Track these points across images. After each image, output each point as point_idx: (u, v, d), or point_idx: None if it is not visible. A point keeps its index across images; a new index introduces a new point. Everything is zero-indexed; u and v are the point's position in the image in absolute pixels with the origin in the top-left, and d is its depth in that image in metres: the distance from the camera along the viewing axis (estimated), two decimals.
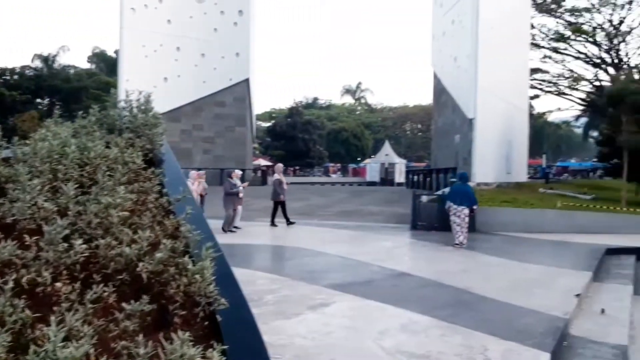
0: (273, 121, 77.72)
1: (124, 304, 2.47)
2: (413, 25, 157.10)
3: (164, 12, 29.96)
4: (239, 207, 15.50)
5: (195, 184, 14.66)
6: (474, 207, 13.48)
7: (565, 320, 6.29)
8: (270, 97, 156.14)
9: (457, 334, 5.61)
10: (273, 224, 16.26)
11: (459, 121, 25.30)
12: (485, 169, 22.84)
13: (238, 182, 15.59)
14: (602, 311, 7.35)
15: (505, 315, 6.45)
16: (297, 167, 68.38)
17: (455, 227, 13.29)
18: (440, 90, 29.92)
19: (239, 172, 16.39)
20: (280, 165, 17.95)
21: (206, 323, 2.75)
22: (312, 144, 67.63)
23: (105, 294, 2.51)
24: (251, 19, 33.60)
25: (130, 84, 24.49)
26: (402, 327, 5.81)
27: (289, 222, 16.35)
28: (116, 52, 44.05)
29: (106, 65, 60.21)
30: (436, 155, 31.66)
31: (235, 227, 15.09)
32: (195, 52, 31.16)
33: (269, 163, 62.88)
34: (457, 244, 13.04)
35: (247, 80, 33.28)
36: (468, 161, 23.63)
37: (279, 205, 16.44)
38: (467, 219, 13.30)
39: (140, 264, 2.69)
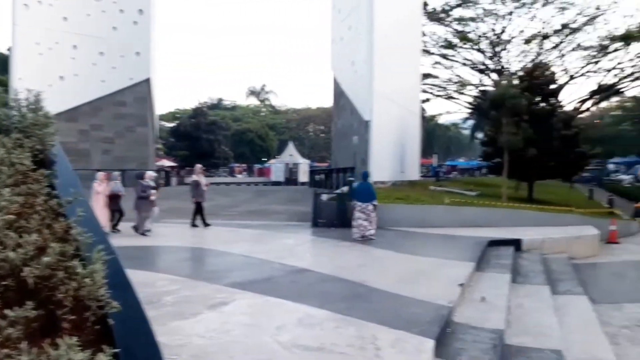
0: (177, 122, 75.76)
1: (7, 311, 2.34)
2: (315, 28, 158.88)
3: (60, 9, 28.35)
4: (155, 209, 14.99)
5: (103, 185, 14.09)
6: (374, 202, 14.06)
7: (449, 308, 6.61)
8: (174, 97, 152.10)
9: (350, 325, 5.75)
10: (193, 224, 16.03)
11: (357, 123, 25.87)
12: (381, 169, 23.54)
13: (151, 184, 15.05)
14: (483, 299, 7.78)
15: (395, 306, 6.68)
16: (205, 167, 67.07)
17: (360, 222, 13.89)
18: (339, 94, 30.46)
19: (151, 174, 15.88)
20: (198, 166, 17.58)
21: (97, 327, 2.67)
22: (217, 145, 66.64)
23: None
24: (152, 18, 32.60)
25: (24, 83, 23.12)
26: (299, 322, 5.88)
27: (205, 224, 16.10)
28: (9, 49, 41.12)
29: None
30: (336, 155, 32.20)
31: (147, 231, 14.60)
32: (93, 50, 29.77)
33: (173, 164, 61.32)
34: (360, 238, 13.70)
35: (148, 80, 32.28)
36: (365, 161, 24.24)
37: (199, 205, 16.18)
38: (373, 214, 13.93)
39: (26, 269, 2.57)
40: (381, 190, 20.30)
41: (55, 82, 27.03)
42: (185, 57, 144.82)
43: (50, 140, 4.31)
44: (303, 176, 51.97)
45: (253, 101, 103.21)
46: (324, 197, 17.62)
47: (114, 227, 14.70)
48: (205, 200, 16.40)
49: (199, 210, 16.23)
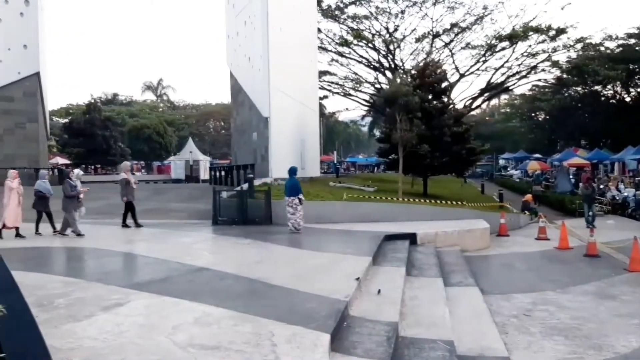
0: (70, 117, 71.67)
1: None
2: (210, 22, 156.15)
3: None
4: (82, 209, 14.30)
5: (16, 182, 13.39)
6: (300, 196, 14.63)
7: (345, 302, 6.71)
8: (66, 92, 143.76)
9: (247, 322, 5.73)
10: (137, 224, 15.53)
11: (256, 119, 25.79)
12: (281, 165, 23.60)
13: (78, 183, 14.27)
14: (379, 292, 7.96)
15: (292, 302, 6.73)
16: (98, 166, 64.07)
17: (290, 215, 14.57)
18: (237, 90, 30.18)
19: (79, 172, 15.15)
20: (126, 164, 16.86)
21: None
22: (113, 142, 63.71)
23: None
24: (39, 9, 30.71)
25: None
26: (196, 321, 5.79)
27: (131, 224, 15.62)
28: None
29: None
30: (236, 152, 31.92)
31: (63, 233, 13.86)
32: None
33: (67, 161, 58.07)
34: (292, 230, 14.41)
35: (37, 74, 30.47)
36: (265, 158, 24.27)
37: (130, 205, 15.60)
38: (299, 207, 14.54)
39: None
40: (281, 187, 20.41)
41: None
42: (78, 50, 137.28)
43: None
44: (204, 173, 51.20)
45: (150, 96, 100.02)
46: (224, 194, 17.46)
47: (55, 230, 14.07)
48: (134, 199, 15.80)
49: (129, 210, 15.62)
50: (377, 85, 49.32)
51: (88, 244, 12.29)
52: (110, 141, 62.74)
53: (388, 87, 29.98)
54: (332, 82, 50.01)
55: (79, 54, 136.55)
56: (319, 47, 41.15)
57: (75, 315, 5.94)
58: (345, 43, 46.28)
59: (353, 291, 7.39)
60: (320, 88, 42.10)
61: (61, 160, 57.77)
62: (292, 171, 15.12)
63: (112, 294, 7.01)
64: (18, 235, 13.32)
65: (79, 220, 14.08)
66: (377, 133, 60.50)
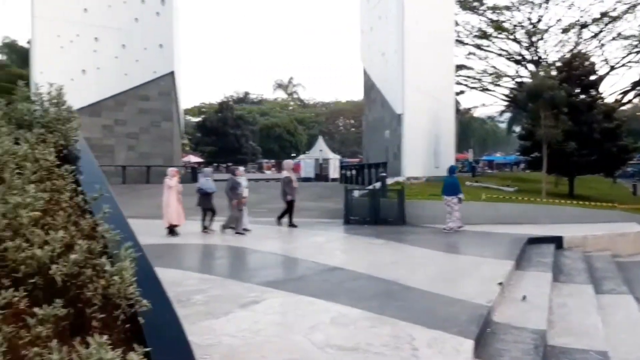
0: (203, 116, 76.42)
1: (36, 309, 2.37)
2: (344, 18, 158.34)
3: (80, 0, 28.67)
4: (245, 208, 14.84)
5: (174, 179, 14.21)
6: (459, 196, 14.74)
7: (488, 307, 6.50)
8: (200, 91, 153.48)
9: (385, 324, 5.71)
10: (292, 224, 15.60)
11: (389, 117, 25.74)
12: (414, 164, 23.39)
13: (243, 181, 14.92)
14: (524, 298, 7.65)
15: (431, 305, 6.61)
16: (229, 164, 67.71)
17: (448, 216, 14.78)
18: (370, 86, 30.33)
19: (243, 170, 15.84)
20: (289, 162, 17.15)
21: (127, 326, 2.68)
22: (245, 140, 67.05)
23: (16, 299, 2.40)
24: (174, 9, 32.78)
25: (45, 77, 23.50)
26: (332, 321, 5.86)
27: (283, 223, 15.85)
28: (29, 42, 41.85)
29: (18, 56, 57.06)
30: (368, 150, 32.10)
31: (245, 230, 14.41)
32: (115, 43, 29.99)
33: (200, 160, 61.91)
34: (445, 230, 14.58)
35: (172, 73, 32.46)
36: (398, 156, 24.13)
37: (291, 204, 15.77)
38: (456, 207, 14.66)
39: (54, 267, 2.59)
40: (414, 186, 20.20)
41: (77, 76, 27.37)
42: (211, 49, 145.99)
43: (73, 136, 4.37)
44: (334, 172, 51.93)
45: (280, 95, 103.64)
46: (356, 193, 17.62)
47: (206, 227, 14.57)
48: (294, 199, 15.88)
49: (290, 209, 15.79)
50: (518, 79, 47.31)
51: (222, 242, 12.94)
52: (241, 140, 65.98)
53: (531, 80, 28.63)
54: (469, 77, 48.74)
55: (212, 53, 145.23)
56: (456, 41, 40.15)
57: (212, 312, 6.25)
58: (484, 35, 44.96)
59: (496, 296, 7.16)
60: (456, 83, 41.11)
61: (193, 159, 61.46)
62: (452, 169, 15.10)
63: (248, 291, 7.29)
64: (173, 232, 13.92)
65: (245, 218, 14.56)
66: (517, 130, 58.00)
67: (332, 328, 5.60)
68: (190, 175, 36.61)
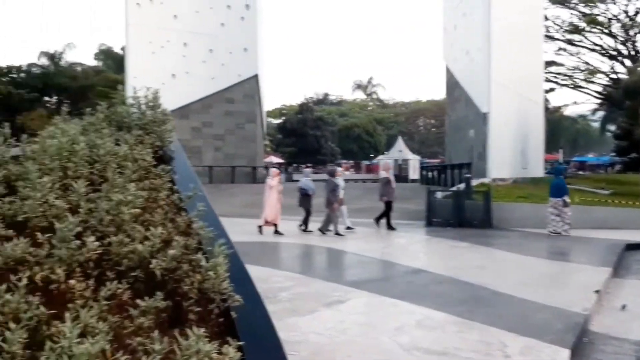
0: (283, 118, 77.66)
1: (138, 301, 2.49)
2: (424, 17, 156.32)
3: (170, 7, 29.91)
4: (343, 208, 15.05)
5: (276, 180, 14.55)
6: (565, 198, 14.54)
7: (584, 316, 6.25)
8: (280, 93, 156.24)
9: (473, 329, 5.60)
10: (390, 227, 15.44)
11: (473, 115, 25.22)
12: (500, 164, 22.77)
13: (341, 182, 15.08)
14: (623, 307, 7.28)
15: (523, 311, 6.42)
16: (309, 165, 68.45)
17: (552, 217, 14.55)
18: (453, 84, 29.84)
19: (340, 170, 16.04)
20: (387, 162, 17.23)
21: (221, 320, 2.77)
22: (324, 141, 67.54)
23: (119, 290, 2.53)
24: (258, 13, 33.53)
25: (138, 81, 24.55)
26: (418, 324, 5.81)
27: (381, 224, 15.67)
28: (123, 48, 43.97)
29: (113, 62, 60.25)
30: (450, 150, 31.57)
31: (349, 228, 14.64)
32: (203, 47, 31.08)
33: (281, 160, 62.96)
34: (552, 233, 14.33)
35: (256, 76, 33.24)
36: (483, 156, 23.57)
37: (389, 205, 15.58)
38: (565, 209, 14.46)
39: (154, 261, 2.72)
40: (501, 188, 19.64)
41: (167, 80, 28.50)
42: (291, 51, 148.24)
43: (168, 137, 4.56)
44: (413, 173, 51.43)
45: (359, 95, 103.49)
46: (439, 195, 17.37)
47: (304, 226, 14.83)
48: (392, 200, 15.70)
49: (388, 211, 15.64)
50: (614, 76, 44.92)
51: (303, 241, 13.12)
52: (321, 140, 66.53)
53: (628, 77, 27.11)
54: (559, 74, 46.76)
55: (292, 54, 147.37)
56: (545, 36, 38.68)
57: (298, 309, 6.37)
58: (575, 30, 43.00)
59: (592, 304, 6.88)
60: (545, 80, 39.60)
61: (275, 159, 62.54)
62: (558, 170, 14.74)
63: (332, 290, 7.37)
64: (277, 232, 14.20)
65: (341, 220, 14.69)
66: (612, 129, 55.19)
67: (418, 331, 5.56)
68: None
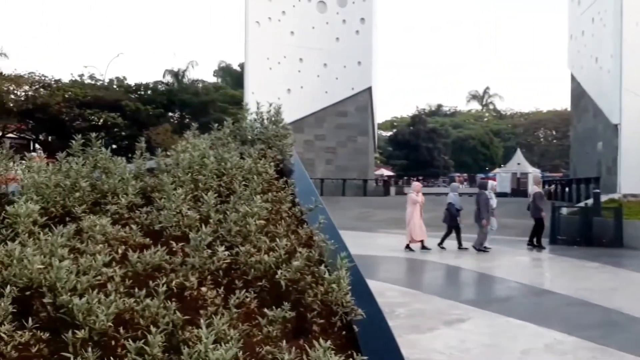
0: (394, 130, 77.45)
1: (265, 310, 2.57)
2: (543, 25, 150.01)
3: (288, 24, 30.93)
4: (494, 221, 14.63)
5: (420, 195, 14.47)
6: None
7: None
8: (392, 104, 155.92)
9: (610, 356, 5.26)
10: (540, 245, 14.71)
11: (602, 127, 23.91)
12: (632, 179, 21.33)
13: (493, 196, 14.78)
14: None
15: None
16: (420, 177, 67.66)
17: None
18: (579, 94, 28.45)
19: (494, 184, 15.70)
20: (538, 175, 16.55)
21: (343, 333, 2.79)
22: (437, 153, 66.58)
23: (247, 299, 2.62)
24: (373, 26, 33.81)
25: (256, 97, 25.53)
26: (547, 347, 5.55)
27: (538, 246, 14.77)
28: (241, 65, 45.90)
29: (232, 78, 63.12)
30: (575, 164, 30.06)
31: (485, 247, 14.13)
32: (318, 62, 31.79)
33: (391, 173, 62.74)
34: None
35: (369, 89, 33.45)
36: (613, 170, 22.25)
37: (540, 222, 14.85)
38: None
39: (279, 272, 2.79)
40: (633, 205, 18.36)
41: (283, 94, 29.35)
42: (403, 62, 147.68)
43: (288, 151, 4.70)
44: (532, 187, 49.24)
45: (475, 106, 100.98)
46: (564, 211, 16.50)
47: (460, 245, 14.37)
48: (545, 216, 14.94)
49: (539, 229, 14.86)
50: None
51: (413, 256, 12.95)
52: (433, 153, 65.60)
53: None
54: None
55: (404, 65, 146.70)
56: None
57: (418, 326, 6.31)
58: None
59: None
60: None
61: (385, 172, 62.41)
62: None
63: (451, 308, 7.23)
64: (424, 247, 13.95)
65: (491, 235, 14.36)
66: None
67: (546, 355, 5.32)
68: (382, 188, 37.32)
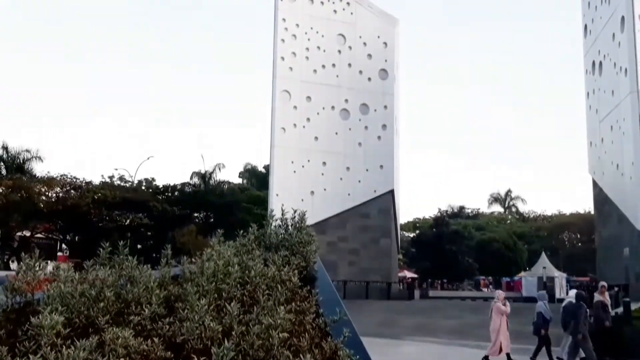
0: (417, 231, 77.01)
1: None
2: (563, 129, 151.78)
3: (312, 129, 31.98)
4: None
5: (508, 305, 14.06)
6: None
7: None
8: (414, 206, 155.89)
9: None
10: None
11: (628, 233, 23.55)
12: None
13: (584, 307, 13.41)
14: None
15: None
16: (444, 280, 66.30)
17: None
18: (602, 200, 28.31)
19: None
20: (604, 284, 15.59)
21: None
22: (461, 256, 65.55)
23: None
24: (395, 132, 34.68)
25: (280, 199, 25.95)
26: None
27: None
28: (265, 167, 46.85)
29: (257, 179, 64.26)
30: (603, 269, 29.39)
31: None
32: (341, 166, 32.53)
33: (414, 275, 61.70)
34: None
35: (391, 192, 33.86)
36: None
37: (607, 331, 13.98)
38: None
39: None
40: None
41: (306, 197, 29.86)
42: (425, 164, 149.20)
43: (312, 257, 4.66)
44: (560, 291, 48.01)
45: (497, 208, 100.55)
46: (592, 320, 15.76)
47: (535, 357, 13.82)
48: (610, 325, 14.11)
49: (606, 339, 13.96)
50: None
51: None
52: (457, 255, 64.61)
53: None
54: None
55: (426, 167, 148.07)
56: None
57: None
58: None
59: None
60: None
61: (409, 274, 61.41)
62: None
63: None
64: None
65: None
66: None
67: None
68: (407, 292, 36.59)
